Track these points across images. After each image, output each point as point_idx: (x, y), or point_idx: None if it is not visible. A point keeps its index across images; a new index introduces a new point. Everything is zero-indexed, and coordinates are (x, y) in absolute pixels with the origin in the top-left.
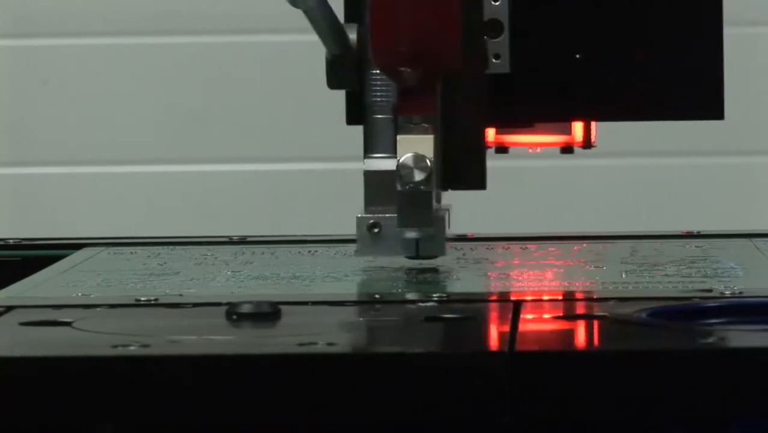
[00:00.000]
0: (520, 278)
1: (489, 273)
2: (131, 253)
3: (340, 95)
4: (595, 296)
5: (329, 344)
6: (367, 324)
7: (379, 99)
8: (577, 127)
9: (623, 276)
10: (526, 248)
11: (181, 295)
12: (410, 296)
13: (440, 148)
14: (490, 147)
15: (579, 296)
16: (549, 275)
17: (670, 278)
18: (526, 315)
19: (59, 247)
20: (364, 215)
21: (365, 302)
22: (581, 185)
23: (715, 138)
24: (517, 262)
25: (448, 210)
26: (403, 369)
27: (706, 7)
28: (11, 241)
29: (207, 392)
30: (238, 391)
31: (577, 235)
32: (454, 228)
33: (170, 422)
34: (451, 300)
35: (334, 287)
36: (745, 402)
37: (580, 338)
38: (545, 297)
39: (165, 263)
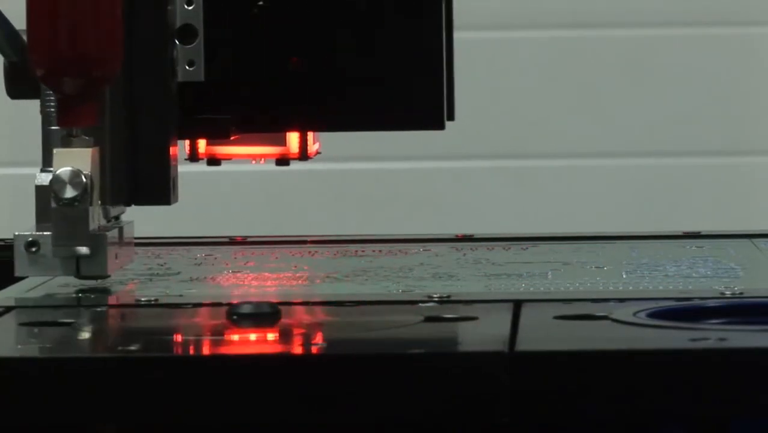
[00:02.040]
0: (519, 278)
1: (489, 273)
2: None
3: None
4: (595, 296)
5: (329, 344)
6: (367, 324)
7: (53, 110)
8: (293, 138)
9: (623, 276)
10: (527, 248)
11: (181, 295)
12: (410, 296)
13: (122, 161)
14: (201, 159)
15: (579, 296)
16: (549, 275)
17: (670, 278)
18: (526, 315)
19: None
20: (22, 233)
21: (365, 302)
22: (581, 185)
23: (715, 138)
24: (517, 262)
25: (121, 226)
26: (403, 369)
27: (428, 16)
28: (11, 241)
29: (207, 392)
30: (238, 391)
31: (577, 235)
32: (451, 227)
33: (170, 422)
34: (451, 300)
35: (334, 287)
36: (745, 402)
37: (580, 338)
38: (545, 297)
39: (165, 263)
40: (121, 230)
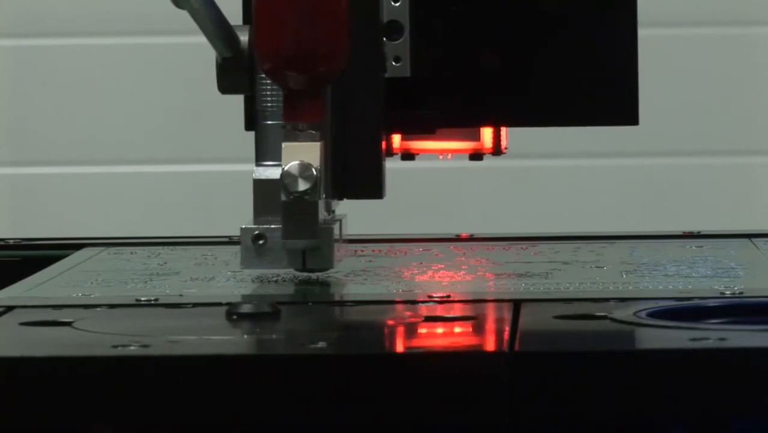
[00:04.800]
0: (520, 278)
1: (489, 273)
2: (131, 253)
3: None
4: (595, 296)
5: (329, 344)
6: (367, 324)
7: (269, 104)
8: (487, 133)
9: (623, 276)
10: (527, 248)
11: (181, 295)
12: (410, 296)
13: (333, 155)
14: (395, 154)
15: (579, 296)
16: (549, 275)
17: (670, 278)
18: (526, 315)
19: (59, 247)
20: (248, 226)
21: (365, 302)
22: (581, 185)
23: (715, 138)
24: (517, 262)
25: (340, 220)
26: (403, 369)
27: (621, 11)
28: (11, 241)
29: (207, 392)
30: (238, 391)
31: (577, 235)
32: (451, 227)
33: (170, 422)
34: (451, 300)
35: (334, 287)
36: (745, 402)
37: (580, 338)
38: (545, 297)
39: (165, 263)
40: (340, 223)
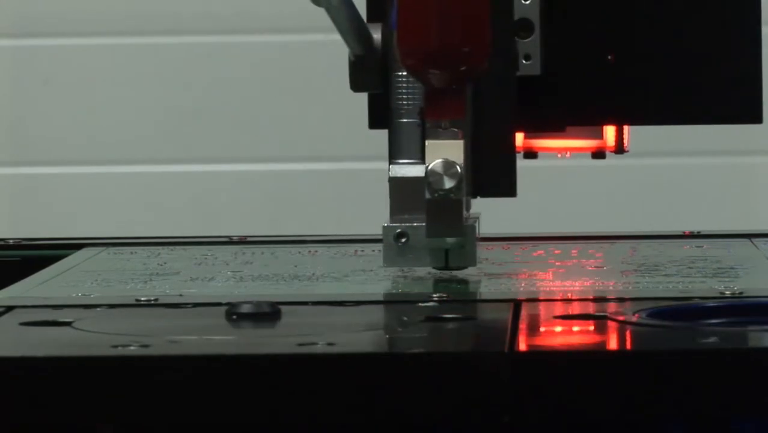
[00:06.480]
0: (520, 278)
1: (489, 273)
2: (131, 253)
3: (340, 94)
4: (595, 296)
5: (329, 344)
6: (367, 324)
7: (405, 102)
8: (609, 131)
9: (623, 276)
10: (527, 248)
11: (181, 295)
12: (410, 296)
13: (469, 153)
14: (518, 152)
15: (579, 296)
16: (549, 275)
17: (670, 278)
18: (526, 315)
19: (59, 247)
20: (390, 224)
21: (365, 302)
22: (581, 185)
23: (715, 138)
24: (517, 262)
25: (477, 218)
26: (403, 369)
27: (744, 9)
28: (11, 241)
29: (207, 392)
30: (238, 391)
31: (577, 235)
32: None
33: (170, 422)
34: (451, 300)
35: (334, 287)
36: (745, 402)
37: (580, 338)
38: (545, 297)
39: (165, 263)
40: (478, 221)
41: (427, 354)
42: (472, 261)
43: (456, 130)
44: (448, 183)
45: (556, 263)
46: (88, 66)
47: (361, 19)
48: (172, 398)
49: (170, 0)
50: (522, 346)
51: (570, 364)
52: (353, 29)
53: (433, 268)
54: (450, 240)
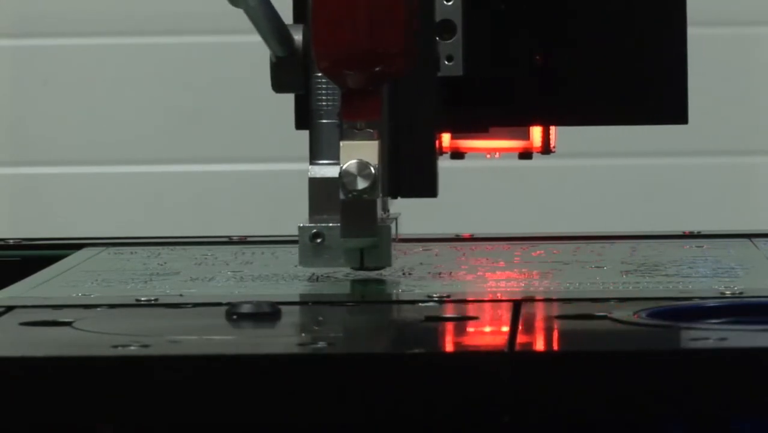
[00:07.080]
0: (520, 278)
1: (489, 273)
2: (131, 253)
3: None
4: (595, 296)
5: (329, 344)
6: (367, 324)
7: (324, 103)
8: (536, 132)
9: (623, 276)
10: (527, 248)
11: (181, 295)
12: (410, 296)
13: (388, 154)
14: (445, 152)
15: (579, 296)
16: (549, 275)
17: (670, 278)
18: (526, 315)
19: (59, 247)
20: (306, 225)
21: (365, 302)
22: (581, 185)
23: (715, 138)
24: (517, 262)
25: (395, 219)
26: (403, 369)
27: (670, 10)
28: (11, 241)
29: (207, 392)
30: (238, 391)
31: (577, 235)
32: (451, 227)
33: (170, 422)
34: (451, 300)
35: (334, 287)
36: (745, 402)
37: (580, 338)
38: (545, 297)
39: (165, 263)
40: (396, 221)
41: (427, 354)
42: (387, 261)
43: (371, 131)
44: (362, 184)
45: (556, 263)
46: (87, 66)
47: (281, 20)
48: (172, 398)
49: (170, 0)
50: (522, 346)
51: (570, 364)
52: (273, 30)
53: (350, 268)
54: (364, 240)
